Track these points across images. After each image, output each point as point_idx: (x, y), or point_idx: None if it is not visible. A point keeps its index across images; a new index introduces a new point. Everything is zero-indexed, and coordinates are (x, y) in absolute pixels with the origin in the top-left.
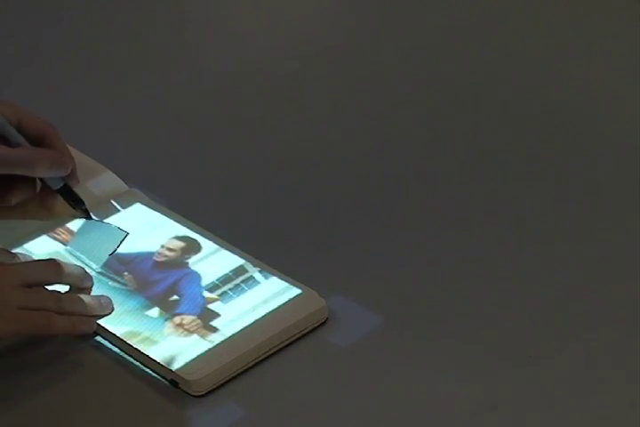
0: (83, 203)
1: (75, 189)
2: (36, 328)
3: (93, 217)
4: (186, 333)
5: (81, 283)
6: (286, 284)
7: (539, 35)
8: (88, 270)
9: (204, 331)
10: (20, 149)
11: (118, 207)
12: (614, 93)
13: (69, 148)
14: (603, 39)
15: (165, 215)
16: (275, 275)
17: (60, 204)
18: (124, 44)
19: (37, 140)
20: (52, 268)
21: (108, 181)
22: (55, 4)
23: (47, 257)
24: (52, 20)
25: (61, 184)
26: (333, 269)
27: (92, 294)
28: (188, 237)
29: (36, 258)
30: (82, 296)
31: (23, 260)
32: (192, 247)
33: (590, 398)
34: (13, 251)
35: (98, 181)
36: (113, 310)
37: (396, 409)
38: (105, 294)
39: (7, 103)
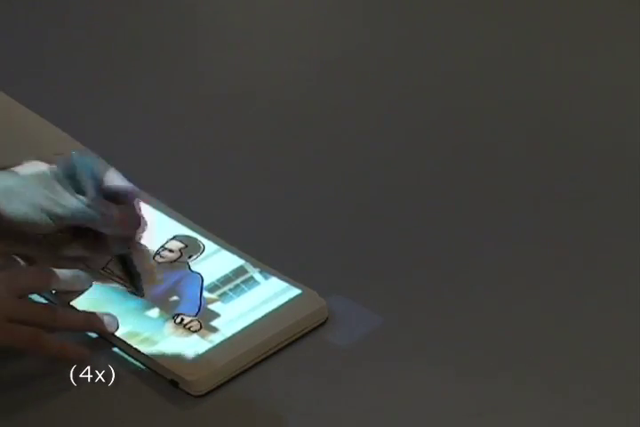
0: (139, 278)
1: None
2: (22, 344)
3: (145, 297)
4: (186, 333)
5: (73, 287)
6: (286, 284)
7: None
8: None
9: (204, 331)
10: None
11: None
12: (615, 94)
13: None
14: (604, 40)
15: (166, 215)
16: (274, 275)
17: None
18: (130, 44)
19: (112, 198)
20: (44, 276)
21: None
22: (57, 4)
23: None
24: (54, 21)
25: (124, 251)
26: (333, 270)
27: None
28: (189, 237)
29: None
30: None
31: (23, 262)
32: (192, 248)
33: (591, 399)
34: None
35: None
36: (118, 328)
37: (395, 409)
38: (105, 294)
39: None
